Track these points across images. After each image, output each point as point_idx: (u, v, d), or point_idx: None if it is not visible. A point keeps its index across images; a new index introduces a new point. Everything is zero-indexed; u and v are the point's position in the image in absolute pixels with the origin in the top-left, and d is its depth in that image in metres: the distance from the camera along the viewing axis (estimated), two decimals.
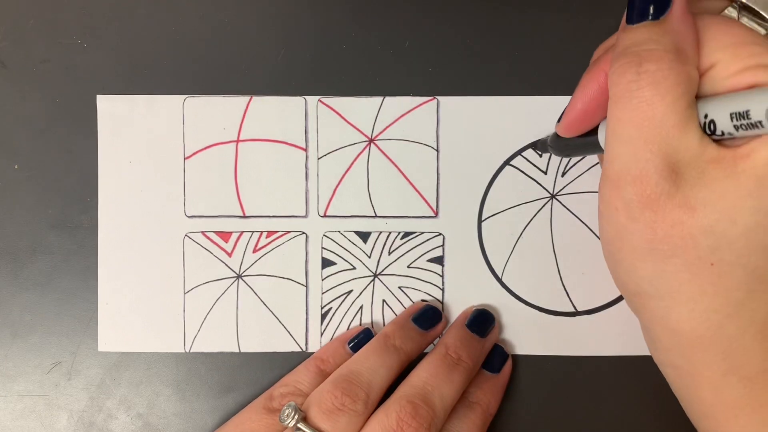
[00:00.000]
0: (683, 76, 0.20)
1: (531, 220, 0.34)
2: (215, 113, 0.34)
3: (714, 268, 0.21)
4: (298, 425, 0.28)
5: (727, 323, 0.22)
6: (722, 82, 0.21)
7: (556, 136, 0.28)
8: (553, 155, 0.34)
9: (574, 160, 0.34)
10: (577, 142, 0.27)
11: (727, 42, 0.21)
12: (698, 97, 0.21)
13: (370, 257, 0.34)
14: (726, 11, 0.23)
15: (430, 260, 0.34)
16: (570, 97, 0.33)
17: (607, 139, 0.22)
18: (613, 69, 0.21)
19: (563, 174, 0.34)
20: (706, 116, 0.21)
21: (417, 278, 0.34)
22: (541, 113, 0.33)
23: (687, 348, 0.23)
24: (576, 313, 0.34)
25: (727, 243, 0.21)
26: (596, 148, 0.26)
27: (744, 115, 0.19)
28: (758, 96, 0.19)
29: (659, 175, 0.21)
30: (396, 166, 0.34)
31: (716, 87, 0.21)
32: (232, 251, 0.34)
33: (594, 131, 0.25)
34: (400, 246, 0.34)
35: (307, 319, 0.34)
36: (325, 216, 0.34)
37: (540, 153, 0.34)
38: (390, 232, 0.34)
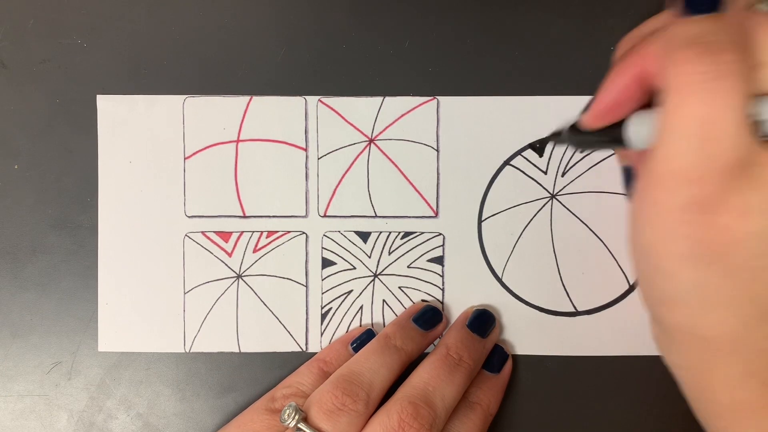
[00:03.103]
0: (747, 72, 0.20)
1: (531, 220, 0.34)
2: (215, 113, 0.34)
3: (752, 274, 0.21)
4: (299, 425, 0.28)
5: (755, 328, 0.21)
6: None
7: (573, 129, 0.27)
8: (553, 154, 0.34)
9: (575, 159, 0.34)
10: (598, 137, 0.26)
11: None
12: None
13: (370, 257, 0.34)
14: (757, 6, 0.22)
15: (430, 260, 0.34)
16: (571, 96, 0.32)
17: (663, 134, 0.21)
18: (679, 59, 0.20)
19: (563, 174, 0.34)
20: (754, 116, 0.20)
21: (417, 278, 0.34)
22: (541, 113, 0.33)
23: (708, 352, 0.22)
24: (576, 313, 0.34)
25: None
26: (618, 143, 0.25)
27: None
28: None
29: (720, 176, 0.20)
30: (396, 166, 0.34)
31: (765, 88, 0.20)
32: (232, 251, 0.34)
33: (616, 125, 0.24)
34: (400, 246, 0.34)
35: (307, 319, 0.34)
36: (325, 216, 0.34)
37: (540, 151, 0.34)
38: (390, 232, 0.34)
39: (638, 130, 0.23)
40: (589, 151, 0.33)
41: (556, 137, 0.31)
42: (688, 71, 0.20)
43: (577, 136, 0.28)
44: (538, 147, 0.34)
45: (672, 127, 0.20)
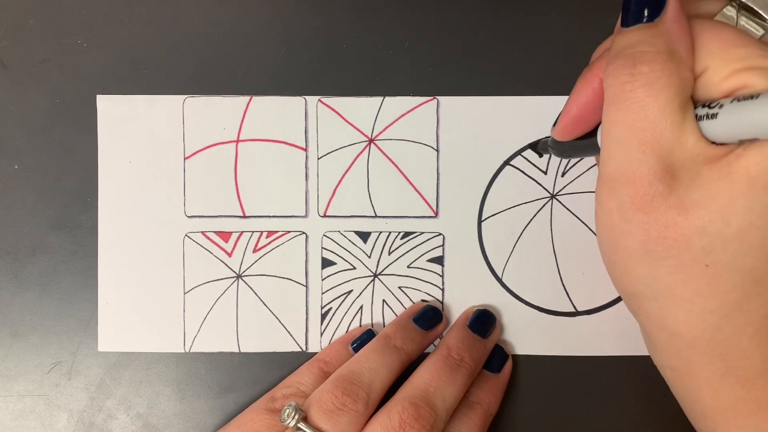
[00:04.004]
0: (676, 78, 0.21)
1: (531, 220, 0.34)
2: (215, 113, 0.34)
3: (709, 270, 0.21)
4: (299, 425, 0.28)
5: (724, 324, 0.21)
6: (714, 87, 0.21)
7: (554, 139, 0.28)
8: (553, 155, 0.34)
9: (574, 160, 0.34)
10: (576, 144, 0.27)
11: (717, 45, 0.21)
12: (695, 100, 0.21)
13: (370, 257, 0.34)
14: (725, 11, 0.23)
15: (430, 260, 0.34)
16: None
17: (602, 140, 0.22)
18: (608, 71, 0.22)
19: (563, 174, 0.34)
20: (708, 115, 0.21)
21: (417, 278, 0.34)
22: (541, 113, 0.34)
23: (684, 349, 0.23)
24: (576, 313, 0.34)
25: (721, 244, 0.21)
26: (595, 150, 0.26)
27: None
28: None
29: (653, 176, 0.21)
30: (396, 166, 0.34)
31: (709, 91, 0.21)
32: (232, 251, 0.34)
33: (592, 133, 0.25)
34: (400, 246, 0.34)
35: (307, 319, 0.34)
36: (325, 216, 0.34)
37: (540, 153, 0.34)
38: (390, 232, 0.34)
39: None
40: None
41: (541, 146, 0.31)
42: (613, 83, 0.21)
43: (557, 144, 0.28)
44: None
45: (607, 133, 0.22)
